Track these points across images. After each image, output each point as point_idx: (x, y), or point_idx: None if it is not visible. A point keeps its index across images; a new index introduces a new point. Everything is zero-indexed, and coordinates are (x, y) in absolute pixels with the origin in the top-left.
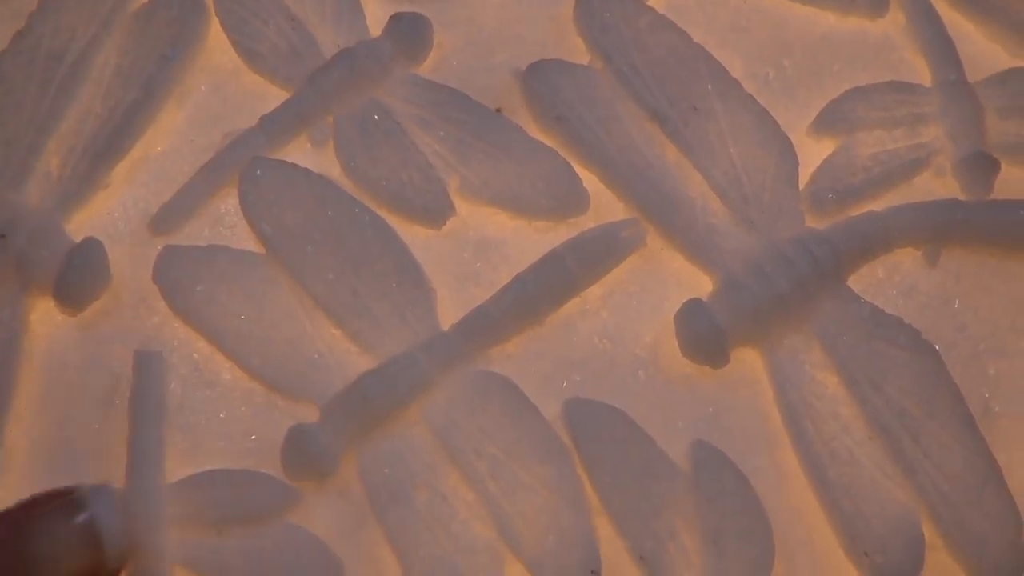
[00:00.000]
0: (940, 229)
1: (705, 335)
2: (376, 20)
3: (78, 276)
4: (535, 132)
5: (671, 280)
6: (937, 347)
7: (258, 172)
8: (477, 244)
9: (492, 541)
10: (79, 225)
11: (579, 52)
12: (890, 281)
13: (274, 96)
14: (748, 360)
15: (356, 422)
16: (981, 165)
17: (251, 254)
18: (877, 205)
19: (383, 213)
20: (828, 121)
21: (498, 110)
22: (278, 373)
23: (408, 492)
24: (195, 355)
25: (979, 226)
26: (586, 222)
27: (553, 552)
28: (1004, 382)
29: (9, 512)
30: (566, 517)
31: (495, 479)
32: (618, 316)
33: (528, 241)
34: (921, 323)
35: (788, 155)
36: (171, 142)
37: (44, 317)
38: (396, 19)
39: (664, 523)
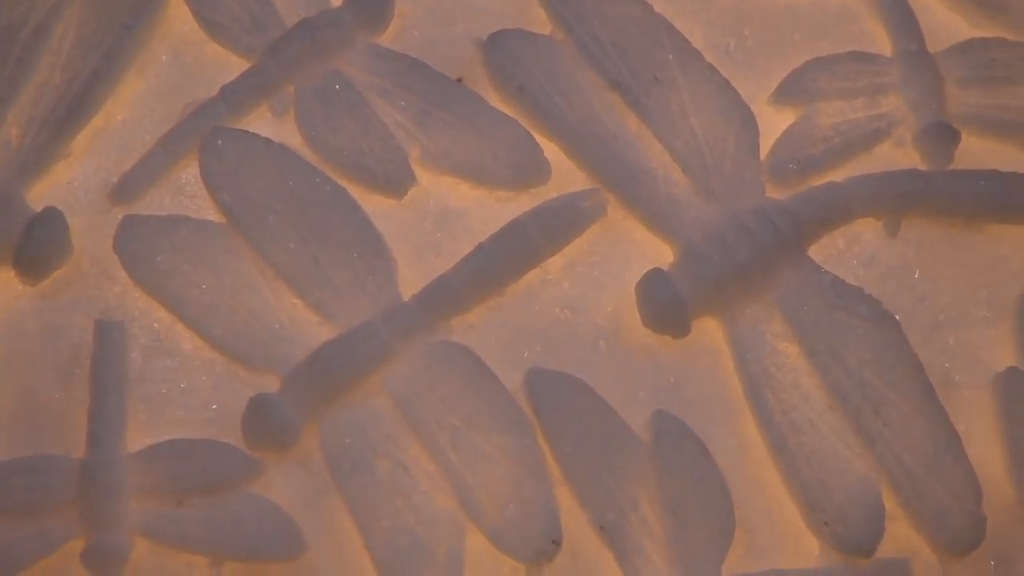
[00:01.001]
0: (901, 199)
1: (666, 305)
2: None
3: (38, 246)
4: (496, 102)
5: (632, 250)
6: (897, 317)
7: (219, 142)
8: (438, 214)
9: (453, 511)
10: (39, 195)
11: (540, 22)
12: (850, 251)
13: (235, 66)
14: (709, 330)
15: (317, 392)
16: (941, 135)
17: (212, 224)
18: (838, 175)
19: (344, 183)
20: (789, 91)
21: (459, 80)
22: (239, 343)
23: (369, 462)
24: (156, 325)
25: (939, 196)
26: (547, 192)
27: (514, 522)
28: (964, 352)
29: None
30: (527, 487)
31: (456, 449)
32: (579, 286)
33: (489, 211)
34: (881, 293)
35: (749, 125)
36: (132, 112)
37: (4, 287)
38: None
39: (625, 493)
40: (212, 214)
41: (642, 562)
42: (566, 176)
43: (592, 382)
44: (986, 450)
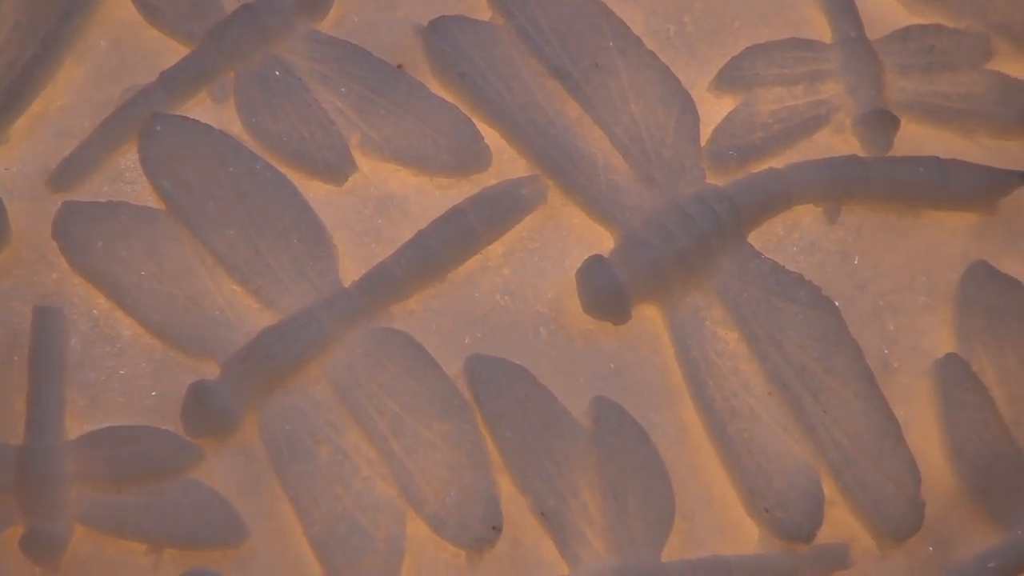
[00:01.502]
0: (840, 186)
1: (606, 292)
2: None
3: None
4: (437, 89)
5: (572, 237)
6: (837, 303)
7: (158, 128)
8: (378, 201)
9: (393, 498)
10: None
11: (481, 9)
12: (790, 238)
13: (174, 52)
14: (649, 317)
15: (257, 379)
16: (881, 122)
17: (151, 210)
18: (777, 162)
19: (284, 169)
20: (729, 78)
21: (399, 66)
22: (179, 330)
23: (310, 449)
24: (95, 311)
25: (879, 183)
26: (488, 179)
27: (454, 508)
28: (903, 338)
29: None
30: (467, 474)
31: (396, 436)
32: (520, 273)
33: (430, 198)
34: (821, 279)
35: (689, 112)
36: (70, 98)
37: None
38: None
39: (565, 479)
40: (151, 200)
41: (582, 548)
42: (506, 163)
43: (532, 368)
44: (925, 436)
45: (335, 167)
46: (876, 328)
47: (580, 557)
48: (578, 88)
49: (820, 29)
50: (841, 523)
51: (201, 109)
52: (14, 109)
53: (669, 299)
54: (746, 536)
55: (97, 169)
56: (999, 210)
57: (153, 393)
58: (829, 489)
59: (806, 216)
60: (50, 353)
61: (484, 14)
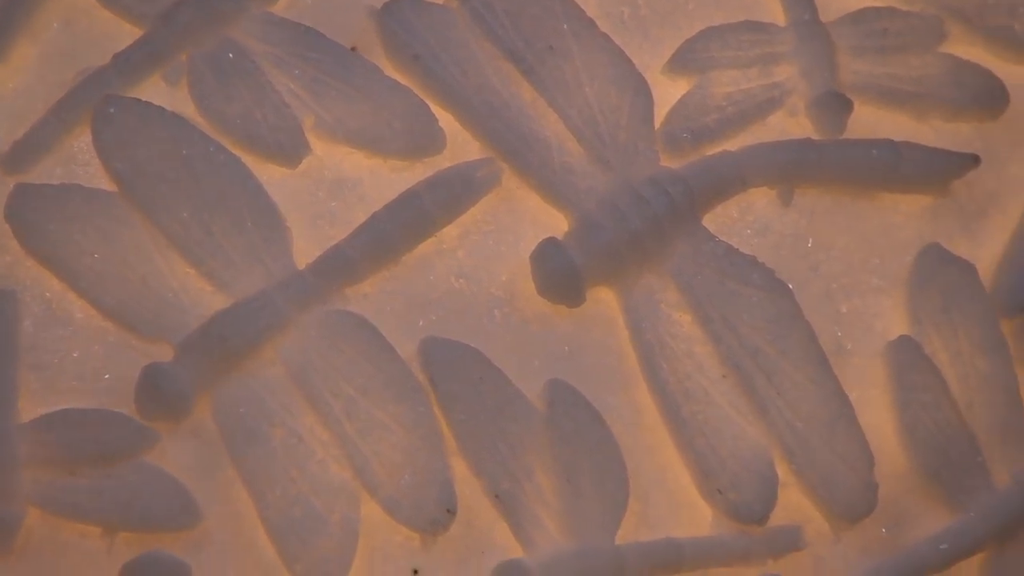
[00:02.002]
0: (794, 168)
1: (561, 274)
2: None
3: None
4: (391, 71)
5: (527, 219)
6: (790, 286)
7: (111, 110)
8: (332, 183)
9: (348, 480)
10: None
11: None
12: (744, 220)
13: (127, 34)
14: (604, 299)
15: (211, 361)
16: (834, 105)
17: (104, 193)
18: (731, 144)
19: (238, 152)
20: (682, 61)
21: (353, 49)
22: (132, 312)
23: (264, 432)
24: (47, 294)
25: (832, 165)
26: (442, 161)
27: (409, 491)
28: (856, 320)
29: None
30: (422, 456)
31: (351, 419)
32: (474, 255)
33: (384, 180)
34: (775, 262)
35: (643, 94)
36: (23, 80)
37: None
38: None
39: (520, 462)
40: (105, 183)
41: (536, 531)
42: (461, 146)
43: (487, 351)
44: (878, 418)
45: (289, 150)
46: (829, 310)
47: (534, 539)
48: (532, 71)
49: (774, 11)
50: (794, 505)
51: (154, 91)
52: None
53: (623, 282)
54: (700, 518)
55: (50, 151)
56: (952, 193)
57: (106, 376)
58: (782, 471)
59: (760, 199)
60: (2, 336)
61: None
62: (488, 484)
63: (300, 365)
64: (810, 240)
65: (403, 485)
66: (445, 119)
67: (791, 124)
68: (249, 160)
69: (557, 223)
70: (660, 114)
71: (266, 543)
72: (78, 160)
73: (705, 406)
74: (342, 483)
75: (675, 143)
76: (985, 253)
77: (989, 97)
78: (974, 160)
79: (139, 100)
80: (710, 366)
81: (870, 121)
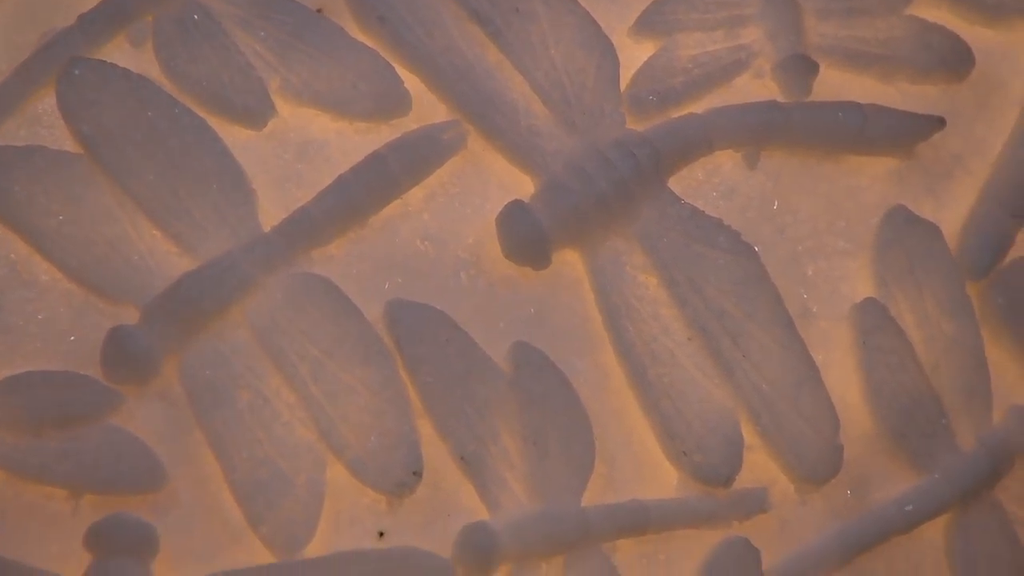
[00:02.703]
0: (760, 131)
1: (526, 237)
2: None
3: None
4: (356, 33)
5: (493, 182)
6: (756, 248)
7: (76, 72)
8: (298, 146)
9: (314, 443)
10: None
11: None
12: (710, 183)
13: None
14: (570, 262)
15: (177, 324)
16: (800, 67)
17: (70, 155)
18: (697, 107)
19: (203, 114)
20: (648, 23)
21: (319, 10)
22: (98, 274)
23: (230, 394)
24: (12, 256)
25: (798, 128)
26: (408, 124)
27: (375, 453)
28: (822, 283)
29: None
30: (388, 419)
31: (317, 381)
32: (440, 218)
33: (350, 143)
34: (741, 224)
35: (609, 57)
36: None
37: None
38: None
39: (486, 424)
40: (69, 145)
41: (502, 493)
42: (427, 108)
43: (453, 314)
44: (843, 380)
45: (255, 112)
46: (795, 273)
47: (500, 502)
48: (499, 33)
49: None
50: (760, 467)
51: (119, 53)
52: None
53: (589, 244)
54: (666, 480)
55: (14, 113)
56: (918, 155)
57: (72, 338)
58: (748, 433)
59: (726, 161)
60: None
61: None
62: (454, 446)
63: (266, 327)
64: (776, 203)
65: (369, 447)
66: (411, 81)
67: (757, 86)
68: (215, 122)
69: (523, 186)
70: (626, 76)
71: (232, 505)
72: (43, 122)
73: (671, 368)
74: (308, 445)
75: (641, 105)
76: (951, 215)
77: (955, 60)
78: (940, 122)
79: (104, 62)
80: (676, 328)
81: (836, 84)
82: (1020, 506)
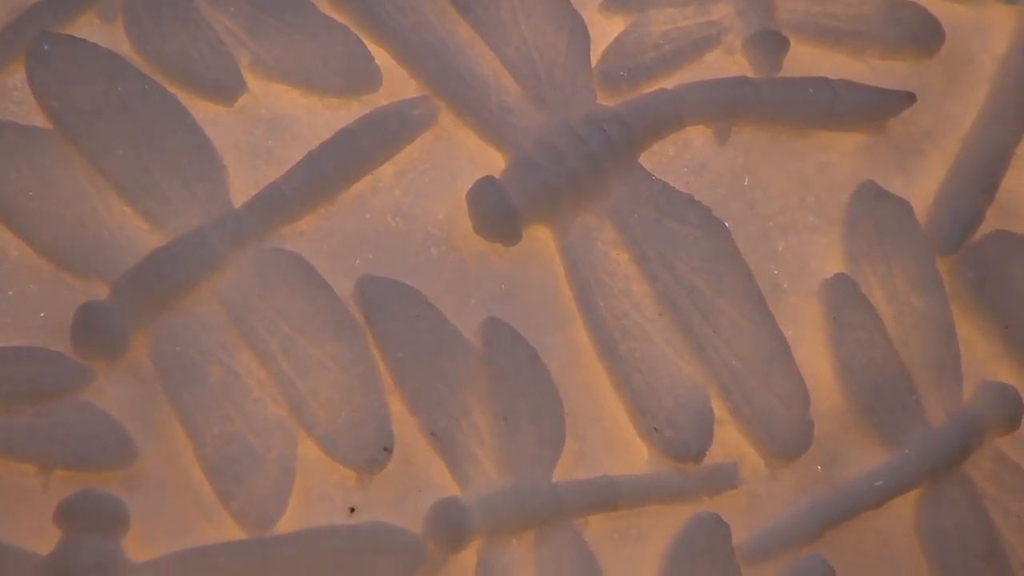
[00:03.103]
0: (730, 107)
1: (497, 213)
2: None
3: None
4: (327, 9)
5: (464, 158)
6: (727, 224)
7: (46, 47)
8: (269, 121)
9: (284, 419)
10: None
11: None
12: (681, 159)
13: None
14: (541, 238)
15: (147, 299)
16: (770, 43)
17: (40, 130)
18: (668, 83)
19: (174, 90)
20: None
21: None
22: (67, 250)
23: (200, 370)
24: None
25: (768, 104)
26: (378, 99)
27: (346, 429)
28: (792, 259)
29: None
30: (359, 395)
31: (288, 357)
32: (411, 194)
33: (320, 119)
34: (711, 200)
35: (580, 33)
36: None
37: None
38: None
39: (457, 400)
40: (39, 120)
41: (473, 469)
42: (397, 83)
43: (424, 290)
44: (814, 356)
45: (225, 87)
46: (766, 249)
47: (471, 478)
48: (469, 9)
49: None
50: (731, 443)
51: (89, 29)
52: None
53: (560, 220)
54: (636, 456)
55: None
56: (888, 131)
57: (41, 314)
58: (719, 409)
59: (697, 137)
60: None
61: None
62: (425, 422)
63: (236, 303)
64: (746, 178)
65: (340, 423)
66: (382, 57)
67: (728, 62)
68: (185, 98)
69: (494, 162)
70: (597, 52)
71: (203, 481)
72: (12, 97)
73: (642, 344)
74: (279, 421)
75: (612, 81)
76: (920, 191)
77: (925, 35)
78: (910, 98)
79: (74, 37)
80: (647, 304)
81: (806, 59)
82: (990, 482)
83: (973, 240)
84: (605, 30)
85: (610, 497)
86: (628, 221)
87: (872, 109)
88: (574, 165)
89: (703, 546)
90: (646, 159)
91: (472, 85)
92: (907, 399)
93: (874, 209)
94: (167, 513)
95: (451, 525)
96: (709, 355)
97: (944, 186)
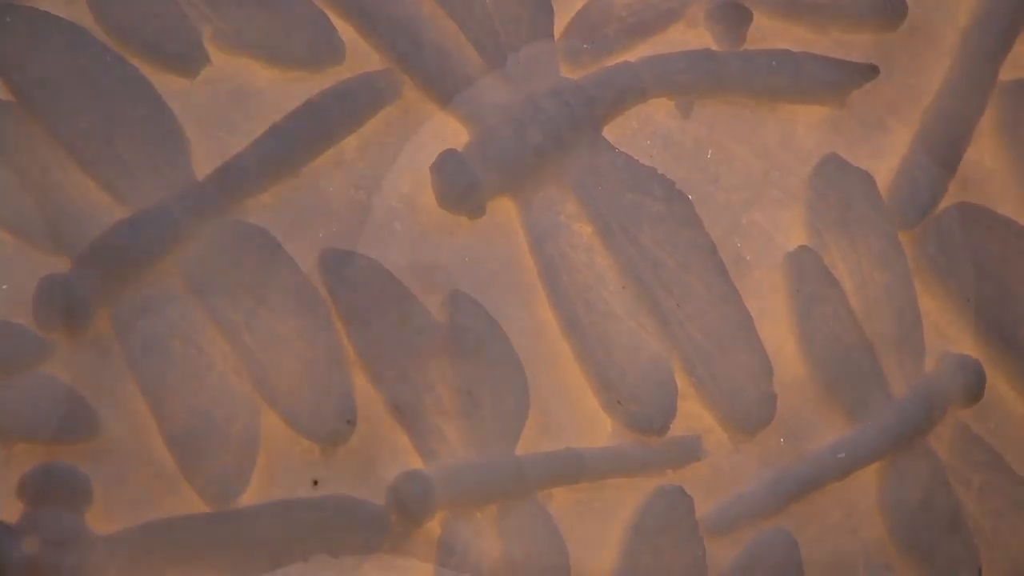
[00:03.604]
0: (694, 80)
1: (461, 186)
2: None
3: None
4: None
5: (427, 131)
6: (691, 197)
7: (8, 19)
8: (232, 94)
9: (248, 392)
10: None
11: None
12: (644, 132)
13: None
14: (504, 211)
15: (109, 272)
16: (733, 16)
17: (2, 103)
18: (631, 56)
19: (136, 62)
20: None
21: None
22: (30, 223)
23: (163, 343)
24: None
25: (732, 77)
26: (342, 72)
27: (308, 402)
28: (756, 232)
29: None
30: (321, 368)
31: (251, 330)
32: (374, 167)
33: (283, 91)
34: (675, 174)
35: (543, 5)
36: None
37: None
38: None
39: (420, 374)
40: (1, 93)
41: (437, 442)
42: (361, 56)
43: (387, 263)
44: (777, 329)
45: (188, 60)
46: (730, 222)
47: (435, 451)
48: None
49: None
50: (694, 416)
51: (52, 1)
52: None
53: (524, 193)
54: (600, 429)
55: None
56: (851, 103)
57: (4, 287)
58: (682, 382)
59: (660, 110)
60: None
61: None
62: (388, 396)
63: (200, 276)
64: (710, 151)
65: (303, 397)
66: (345, 29)
67: (691, 35)
68: (148, 70)
69: (457, 135)
70: (560, 25)
71: (166, 455)
72: None
73: (605, 317)
74: (242, 395)
75: (575, 54)
76: (884, 164)
77: (888, 9)
78: (873, 71)
79: (36, 9)
80: (610, 278)
81: (769, 32)
82: (952, 454)
83: (935, 214)
84: (568, 2)
85: (573, 470)
86: (592, 194)
87: (835, 82)
88: (537, 138)
89: (667, 519)
90: (610, 132)
91: (436, 58)
92: (870, 372)
93: (837, 182)
94: (130, 486)
95: (414, 497)
96: (673, 328)
97: (906, 160)
